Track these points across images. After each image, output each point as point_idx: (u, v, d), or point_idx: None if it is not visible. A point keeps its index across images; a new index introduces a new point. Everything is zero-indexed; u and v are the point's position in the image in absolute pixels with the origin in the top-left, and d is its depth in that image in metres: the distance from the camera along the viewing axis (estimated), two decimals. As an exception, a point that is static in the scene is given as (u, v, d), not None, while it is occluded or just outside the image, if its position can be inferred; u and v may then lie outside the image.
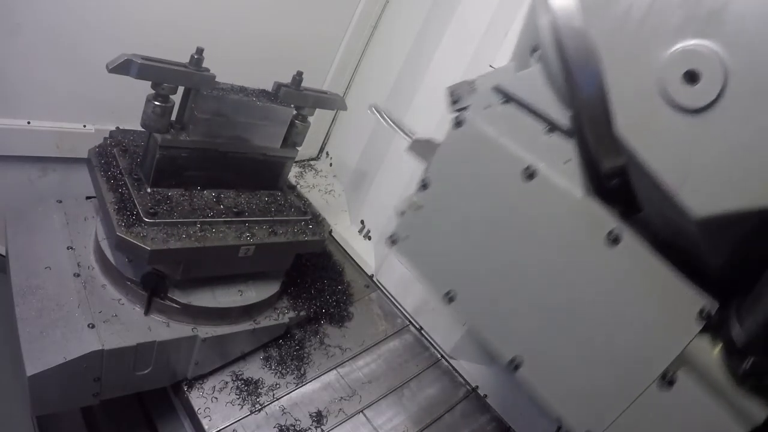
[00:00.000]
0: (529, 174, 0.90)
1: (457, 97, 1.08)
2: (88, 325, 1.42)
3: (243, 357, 1.77)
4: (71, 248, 1.66)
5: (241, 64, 2.15)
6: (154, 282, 1.53)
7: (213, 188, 1.70)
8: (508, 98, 0.97)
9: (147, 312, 1.56)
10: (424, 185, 1.06)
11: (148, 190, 1.57)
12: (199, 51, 1.49)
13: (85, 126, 2.07)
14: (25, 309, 1.41)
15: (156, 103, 1.45)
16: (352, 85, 2.85)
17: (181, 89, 1.51)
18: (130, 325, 1.50)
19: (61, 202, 1.82)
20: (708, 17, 0.66)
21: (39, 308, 1.42)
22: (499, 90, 0.98)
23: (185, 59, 1.48)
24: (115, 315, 1.50)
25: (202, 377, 1.70)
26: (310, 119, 1.80)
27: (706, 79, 0.65)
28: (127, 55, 1.35)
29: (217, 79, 1.54)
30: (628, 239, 0.79)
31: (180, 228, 1.50)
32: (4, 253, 1.89)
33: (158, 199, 1.55)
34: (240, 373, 1.74)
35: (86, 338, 1.39)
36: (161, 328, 1.54)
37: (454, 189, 1.02)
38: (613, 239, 0.80)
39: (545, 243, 0.89)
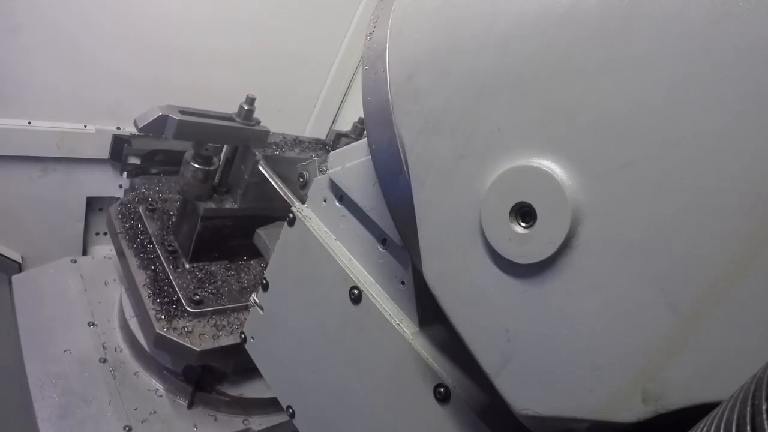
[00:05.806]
0: (355, 297, 0.71)
1: (306, 179, 0.88)
2: (124, 428, 1.24)
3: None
4: (93, 324, 1.44)
5: (238, 65, 2.15)
6: (199, 375, 1.34)
7: (261, 256, 1.42)
8: (342, 194, 0.76)
9: (190, 406, 1.37)
10: (264, 285, 0.89)
11: (187, 266, 1.36)
12: (250, 101, 1.23)
13: (85, 126, 2.06)
14: (44, 406, 1.19)
15: (196, 166, 1.21)
16: (353, 85, 2.84)
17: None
18: (171, 423, 1.31)
19: (75, 261, 1.59)
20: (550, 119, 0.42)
21: (62, 405, 1.21)
22: (333, 182, 0.77)
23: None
24: (154, 411, 1.31)
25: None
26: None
27: (543, 221, 0.42)
28: (160, 109, 1.09)
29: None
30: (458, 400, 0.61)
31: (231, 315, 1.29)
32: (4, 254, 1.90)
33: (200, 278, 1.34)
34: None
35: (124, 446, 1.21)
36: (208, 424, 1.36)
37: (290, 295, 0.85)
38: (442, 398, 0.62)
39: (375, 378, 0.72)
